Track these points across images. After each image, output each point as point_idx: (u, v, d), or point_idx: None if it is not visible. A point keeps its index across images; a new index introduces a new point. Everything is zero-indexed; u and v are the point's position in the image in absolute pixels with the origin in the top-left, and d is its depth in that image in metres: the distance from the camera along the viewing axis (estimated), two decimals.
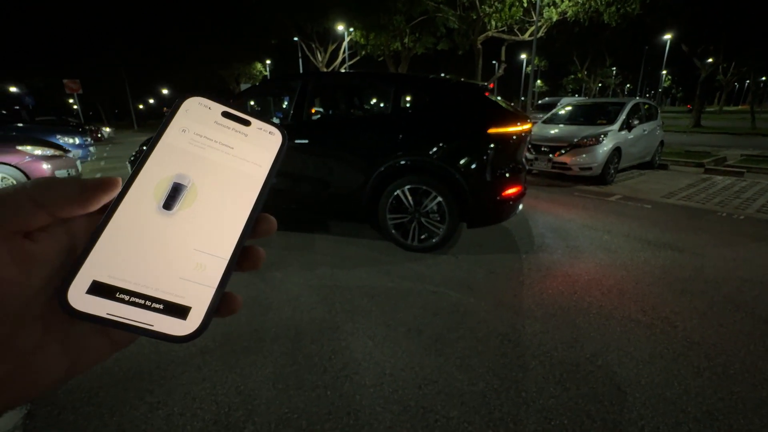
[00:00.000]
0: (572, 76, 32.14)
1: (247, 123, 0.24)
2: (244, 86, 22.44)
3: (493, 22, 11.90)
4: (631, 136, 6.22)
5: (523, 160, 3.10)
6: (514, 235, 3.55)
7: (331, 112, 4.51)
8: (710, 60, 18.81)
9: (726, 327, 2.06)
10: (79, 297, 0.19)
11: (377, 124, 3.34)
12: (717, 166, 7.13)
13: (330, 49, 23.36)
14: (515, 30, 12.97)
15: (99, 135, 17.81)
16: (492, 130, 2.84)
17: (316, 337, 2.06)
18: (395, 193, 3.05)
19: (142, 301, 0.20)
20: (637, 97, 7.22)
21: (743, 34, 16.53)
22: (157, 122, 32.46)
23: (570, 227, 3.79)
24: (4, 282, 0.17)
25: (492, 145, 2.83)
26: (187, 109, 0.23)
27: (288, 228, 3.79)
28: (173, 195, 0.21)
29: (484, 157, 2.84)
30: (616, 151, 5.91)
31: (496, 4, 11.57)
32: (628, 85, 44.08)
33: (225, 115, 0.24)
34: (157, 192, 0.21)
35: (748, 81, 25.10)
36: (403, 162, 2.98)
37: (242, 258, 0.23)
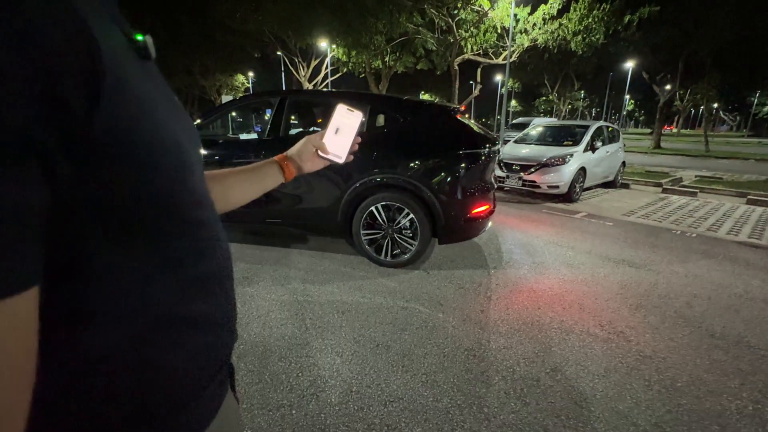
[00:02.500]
0: (543, 98, 33.76)
1: (352, 111, 0.71)
2: (225, 98, 22.22)
3: (469, 46, 12.42)
4: (595, 156, 6.58)
5: (492, 179, 3.23)
6: (484, 250, 3.65)
7: (311, 129, 4.56)
8: (668, 87, 20.26)
9: (676, 341, 2.19)
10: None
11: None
12: (673, 186, 7.62)
13: (313, 64, 23.59)
14: (490, 54, 13.57)
15: None
16: (463, 151, 2.97)
17: (284, 354, 2.04)
18: (369, 209, 3.10)
19: (332, 154, 0.72)
20: (601, 121, 7.69)
21: (695, 65, 17.98)
22: None
23: (537, 243, 3.94)
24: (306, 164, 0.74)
25: (462, 165, 2.95)
26: (340, 108, 0.71)
27: (263, 242, 3.75)
28: (337, 130, 0.71)
29: (455, 176, 2.95)
30: (582, 171, 6.23)
31: (471, 29, 12.10)
32: (595, 108, 46.70)
33: (347, 109, 0.71)
34: (333, 128, 0.71)
35: (702, 107, 27.17)
36: (377, 179, 3.05)
37: (350, 148, 0.73)
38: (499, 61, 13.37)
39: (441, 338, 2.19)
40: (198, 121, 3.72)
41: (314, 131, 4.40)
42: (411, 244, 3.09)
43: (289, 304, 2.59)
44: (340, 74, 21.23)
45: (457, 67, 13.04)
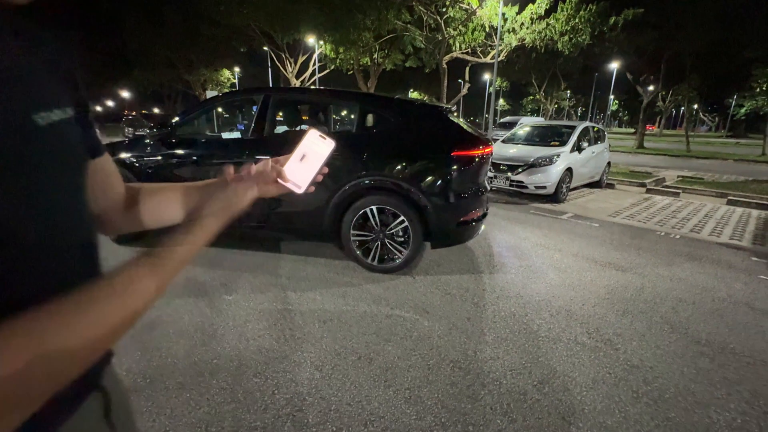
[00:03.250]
0: (531, 97, 34.08)
1: (325, 138, 0.63)
2: (210, 93, 21.71)
3: (458, 44, 12.39)
4: (581, 157, 6.60)
5: (485, 182, 3.15)
6: (471, 253, 3.60)
7: (297, 128, 4.35)
8: (651, 88, 20.68)
9: (662, 349, 2.16)
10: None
11: (342, 142, 3.26)
12: (657, 186, 7.73)
13: (300, 60, 23.24)
14: (478, 52, 13.57)
15: None
16: (456, 153, 2.87)
17: (260, 369, 1.93)
18: (359, 213, 2.98)
19: (292, 183, 0.61)
20: (587, 122, 7.73)
21: (677, 67, 18.39)
22: (115, 125, 30.42)
23: (524, 246, 3.90)
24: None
25: (455, 167, 2.86)
26: (311, 133, 0.63)
27: (243, 246, 3.61)
28: (303, 158, 0.62)
29: (448, 179, 2.86)
30: (568, 171, 6.25)
31: (460, 27, 12.07)
32: (581, 108, 47.46)
33: (319, 135, 0.63)
34: (298, 156, 0.62)
35: (683, 108, 27.86)
36: (367, 182, 2.94)
37: (315, 178, 0.63)
38: (487, 59, 13.38)
39: (426, 349, 2.12)
40: (176, 119, 3.54)
41: (301, 131, 4.03)
42: (402, 249, 3.00)
43: (268, 313, 2.47)
44: (327, 71, 20.97)
45: (445, 66, 12.99)
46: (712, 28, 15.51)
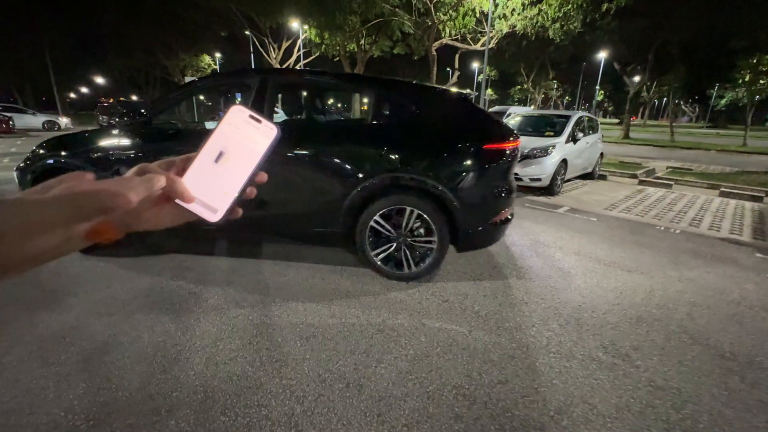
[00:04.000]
0: (519, 87, 33.92)
1: (259, 121, 0.40)
2: (189, 79, 20.70)
3: (448, 30, 11.99)
4: (576, 148, 6.40)
5: (513, 179, 2.79)
6: (466, 254, 3.33)
7: (300, 116, 3.82)
8: (637, 78, 20.74)
9: (686, 365, 1.94)
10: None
11: (357, 134, 2.84)
12: (649, 178, 7.63)
13: (284, 45, 22.39)
14: (468, 39, 13.20)
15: (9, 125, 15.15)
16: (488, 146, 2.53)
17: (229, 403, 1.62)
18: (378, 214, 2.62)
19: (200, 203, 0.38)
20: (581, 111, 7.53)
21: (664, 57, 18.43)
22: (89, 113, 28.86)
23: (523, 243, 3.66)
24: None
25: (487, 162, 2.54)
26: (232, 112, 0.40)
27: (216, 249, 3.26)
28: (219, 156, 0.39)
29: (480, 175, 2.55)
30: (563, 163, 6.04)
31: (450, 12, 11.65)
32: (567, 98, 47.62)
33: (250, 116, 0.40)
34: (212, 153, 0.39)
35: (665, 98, 28.19)
36: (387, 179, 2.57)
37: (245, 193, 0.40)
38: (478, 47, 13.04)
39: (424, 371, 1.84)
40: (153, 105, 3.04)
41: (298, 121, 3.30)
42: (427, 254, 2.67)
43: (242, 329, 2.15)
44: (313, 57, 20.26)
45: (435, 52, 12.60)
46: (699, 17, 15.49)
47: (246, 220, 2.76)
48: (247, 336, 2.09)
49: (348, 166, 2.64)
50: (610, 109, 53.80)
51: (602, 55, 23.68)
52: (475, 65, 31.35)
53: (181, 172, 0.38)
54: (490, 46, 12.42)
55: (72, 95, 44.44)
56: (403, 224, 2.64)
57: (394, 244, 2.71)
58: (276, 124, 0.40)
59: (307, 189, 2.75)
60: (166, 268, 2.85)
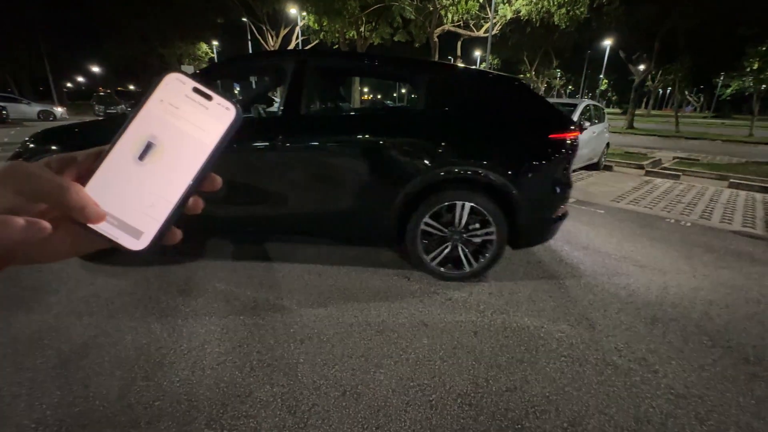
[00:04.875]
0: (522, 75, 33.38)
1: (209, 98, 0.28)
2: (186, 68, 20.27)
3: (450, 15, 11.64)
4: (582, 137, 6.20)
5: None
6: None
7: (339, 103, 3.45)
8: (642, 67, 20.31)
9: (707, 370, 1.81)
10: None
11: (409, 123, 2.54)
12: (655, 168, 7.44)
13: (282, 33, 21.95)
14: (471, 25, 12.85)
15: (2, 115, 14.85)
16: (554, 135, 2.37)
17: (215, 414, 1.50)
18: (432, 211, 2.43)
19: (115, 222, 0.27)
20: (587, 99, 7.31)
21: (670, 45, 18.00)
22: (85, 102, 28.40)
23: None
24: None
25: (553, 153, 2.37)
26: (167, 83, 0.27)
27: (208, 243, 3.11)
28: (146, 150, 0.27)
29: (546, 167, 2.39)
30: None
31: None
32: (570, 87, 46.97)
33: (194, 90, 0.28)
34: (135, 146, 0.27)
35: (669, 88, 27.71)
36: (445, 173, 2.35)
37: (186, 205, 0.28)
38: (481, 33, 12.70)
39: (426, 377, 1.71)
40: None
41: (343, 107, 3.16)
42: (483, 252, 2.51)
43: (232, 330, 2.02)
44: (312, 44, 19.85)
45: (436, 39, 12.27)
46: (708, 3, 15.06)
47: (274, 220, 2.56)
48: (237, 338, 1.96)
49: (402, 160, 2.39)
50: (613, 98, 53.08)
51: (607, 43, 23.18)
52: (478, 53, 30.80)
53: (86, 174, 0.26)
54: (493, 33, 12.09)
55: (68, 85, 43.90)
56: (457, 220, 2.44)
57: (450, 244, 2.52)
58: (234, 102, 0.28)
59: (354, 185, 2.49)
60: (153, 264, 2.71)
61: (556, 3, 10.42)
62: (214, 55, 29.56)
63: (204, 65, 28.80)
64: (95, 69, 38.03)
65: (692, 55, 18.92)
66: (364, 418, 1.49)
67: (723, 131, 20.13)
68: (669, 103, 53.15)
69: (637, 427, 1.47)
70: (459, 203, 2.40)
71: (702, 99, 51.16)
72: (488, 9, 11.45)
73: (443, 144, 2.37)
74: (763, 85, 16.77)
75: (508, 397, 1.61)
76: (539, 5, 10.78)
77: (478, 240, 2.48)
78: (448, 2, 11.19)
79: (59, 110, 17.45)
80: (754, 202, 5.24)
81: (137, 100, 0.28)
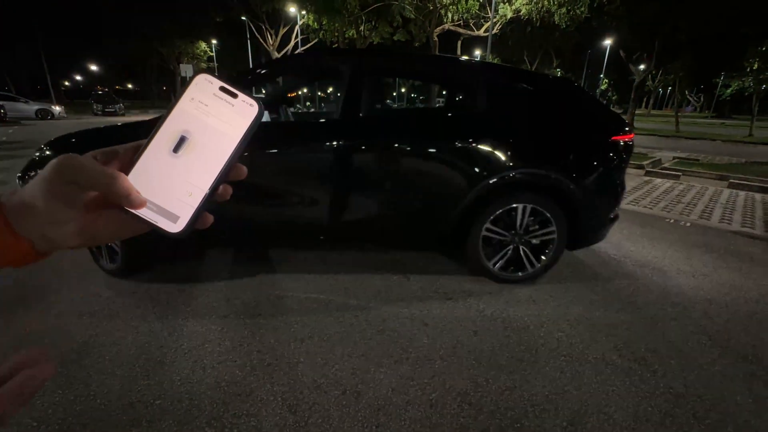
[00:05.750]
0: None
1: (235, 96, 0.30)
2: (184, 66, 20.19)
3: (450, 15, 11.63)
4: None
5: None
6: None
7: (397, 105, 3.42)
8: (642, 67, 20.30)
9: (706, 369, 1.82)
10: None
11: (474, 126, 2.44)
12: (655, 168, 7.45)
13: (282, 32, 21.93)
14: (471, 25, 12.84)
15: (0, 113, 14.82)
16: (616, 137, 2.39)
17: (216, 413, 1.50)
18: (495, 214, 2.42)
19: (154, 208, 0.29)
20: None
21: (671, 45, 17.98)
22: (84, 101, 28.34)
23: None
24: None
25: (615, 154, 2.40)
26: (197, 83, 0.30)
27: (209, 244, 3.12)
28: (179, 143, 0.29)
29: (609, 170, 2.42)
30: None
31: None
32: None
33: (221, 89, 0.30)
34: (170, 140, 0.29)
35: (670, 88, 27.72)
36: (513, 174, 2.33)
37: (216, 192, 0.30)
38: (481, 33, 12.69)
39: (426, 376, 1.72)
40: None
41: (396, 109, 3.40)
42: (541, 254, 2.53)
43: (233, 329, 2.02)
44: (311, 43, 19.83)
45: (436, 39, 12.26)
46: (710, 2, 15.03)
47: (331, 226, 2.45)
48: (237, 337, 1.96)
49: (468, 163, 2.35)
50: (613, 98, 53.07)
51: (608, 43, 23.16)
52: (477, 53, 30.77)
53: (127, 165, 0.29)
54: (493, 32, 12.08)
55: (66, 83, 43.81)
56: (518, 223, 2.45)
57: (511, 247, 2.51)
58: (256, 99, 0.31)
59: (416, 190, 2.44)
60: (154, 263, 2.71)
61: (556, 2, 10.41)
62: (213, 54, 29.52)
63: (203, 64, 28.75)
64: (93, 67, 37.99)
65: (693, 55, 18.90)
66: (364, 417, 1.50)
67: (723, 131, 20.15)
68: (669, 102, 53.18)
69: (636, 426, 1.48)
70: (521, 206, 2.41)
71: (702, 99, 51.13)
72: (488, 8, 11.44)
73: (510, 146, 2.35)
74: (763, 86, 16.76)
75: (507, 396, 1.61)
76: (539, 5, 10.77)
77: (537, 241, 2.50)
78: (448, 1, 11.18)
79: (57, 109, 17.42)
80: (754, 202, 5.25)
81: (173, 104, 0.31)
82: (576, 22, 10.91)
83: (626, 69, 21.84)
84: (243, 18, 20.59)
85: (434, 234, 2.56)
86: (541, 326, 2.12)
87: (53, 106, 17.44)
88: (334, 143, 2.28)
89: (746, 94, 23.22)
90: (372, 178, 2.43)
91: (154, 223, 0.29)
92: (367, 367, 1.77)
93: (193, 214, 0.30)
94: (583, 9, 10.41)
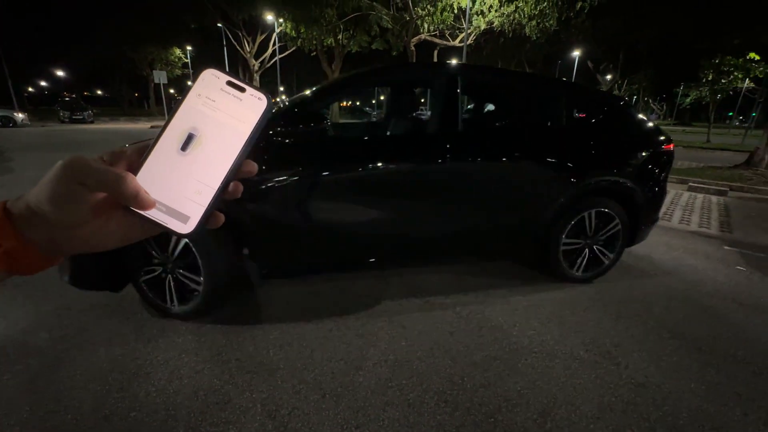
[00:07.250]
0: None
1: (243, 90, 0.30)
2: (158, 73, 19.68)
3: (426, 25, 11.93)
4: None
5: None
6: None
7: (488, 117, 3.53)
8: (609, 77, 21.42)
9: (665, 360, 1.95)
10: None
11: (559, 139, 2.58)
12: None
13: (259, 39, 21.79)
14: (447, 35, 13.21)
15: None
16: (667, 146, 2.71)
17: (193, 423, 1.49)
18: (575, 220, 2.60)
19: (164, 209, 0.29)
20: None
21: (634, 57, 19.09)
22: (49, 108, 27.11)
23: None
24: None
25: (667, 162, 2.73)
26: (203, 78, 0.30)
27: None
28: (187, 141, 0.29)
29: (663, 175, 2.73)
30: None
31: (428, 7, 11.59)
32: None
33: (228, 83, 0.30)
34: (177, 138, 0.29)
35: (636, 97, 29.31)
36: (593, 182, 2.53)
37: (227, 190, 0.30)
38: (456, 43, 13.07)
39: (405, 377, 1.76)
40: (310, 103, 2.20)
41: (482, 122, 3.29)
42: (606, 256, 2.76)
43: (210, 339, 2.01)
44: (289, 51, 19.80)
45: (413, 48, 12.53)
46: (667, 20, 16.08)
47: (425, 242, 2.42)
48: (215, 346, 1.95)
49: (556, 174, 2.51)
50: None
51: (576, 54, 24.29)
52: (454, 61, 31.50)
53: (135, 166, 0.29)
54: (468, 43, 12.47)
55: (30, 89, 41.81)
56: (588, 228, 2.66)
57: (586, 250, 2.73)
58: (265, 92, 0.30)
59: (508, 202, 2.50)
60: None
61: (526, 15, 10.89)
62: (188, 61, 28.94)
63: (177, 70, 28.13)
64: (60, 73, 36.43)
65: (654, 67, 20.12)
66: (344, 419, 1.52)
67: (683, 138, 21.36)
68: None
69: (601, 415, 1.57)
70: (593, 211, 2.62)
71: (665, 107, 54.18)
72: (463, 20, 11.81)
73: (591, 156, 2.56)
74: (718, 95, 17.97)
75: (482, 393, 1.68)
76: (511, 17, 11.23)
77: (603, 240, 2.74)
78: (424, 12, 11.48)
79: (20, 116, 16.61)
80: (710, 204, 5.62)
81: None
82: (546, 34, 11.43)
83: (594, 79, 22.97)
84: (219, 25, 20.35)
85: (523, 244, 2.73)
86: (514, 325, 2.21)
87: (15, 113, 16.62)
88: (432, 158, 2.24)
89: (703, 102, 24.85)
90: (467, 193, 2.41)
91: (164, 224, 0.29)
92: (346, 370, 1.80)
93: (203, 214, 0.29)
94: (551, 22, 10.93)
